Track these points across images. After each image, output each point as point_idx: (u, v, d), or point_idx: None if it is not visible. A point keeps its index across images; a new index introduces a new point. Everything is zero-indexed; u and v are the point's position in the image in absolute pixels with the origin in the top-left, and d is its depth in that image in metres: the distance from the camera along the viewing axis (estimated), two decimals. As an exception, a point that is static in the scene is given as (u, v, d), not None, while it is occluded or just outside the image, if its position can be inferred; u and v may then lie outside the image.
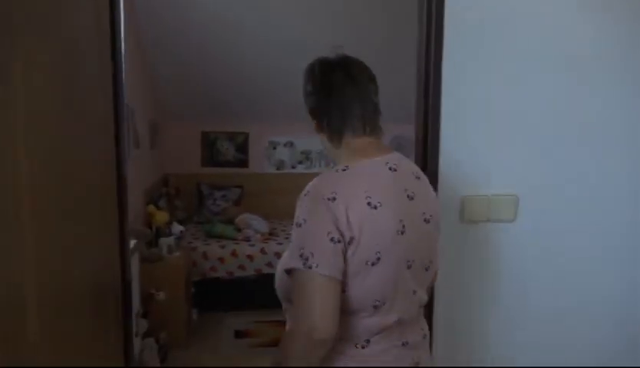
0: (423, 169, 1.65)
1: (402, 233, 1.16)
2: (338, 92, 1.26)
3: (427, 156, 1.73)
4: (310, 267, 1.09)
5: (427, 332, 1.34)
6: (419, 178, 1.28)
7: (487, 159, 1.77)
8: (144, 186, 4.07)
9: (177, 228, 3.75)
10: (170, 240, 3.63)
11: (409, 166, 1.29)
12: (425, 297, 1.30)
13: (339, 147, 1.26)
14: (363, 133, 1.25)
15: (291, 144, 5.16)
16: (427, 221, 1.24)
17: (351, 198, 1.13)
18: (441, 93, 1.68)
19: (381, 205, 1.14)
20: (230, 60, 4.37)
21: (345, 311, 1.15)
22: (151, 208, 3.78)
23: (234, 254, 4.14)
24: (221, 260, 4.13)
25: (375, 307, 1.17)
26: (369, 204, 1.13)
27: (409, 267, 1.20)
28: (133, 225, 3.54)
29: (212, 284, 4.11)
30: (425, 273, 1.27)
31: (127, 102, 3.55)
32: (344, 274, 1.12)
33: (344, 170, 1.19)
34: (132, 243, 2.59)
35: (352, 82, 1.26)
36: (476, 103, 1.73)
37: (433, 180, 1.66)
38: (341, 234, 1.11)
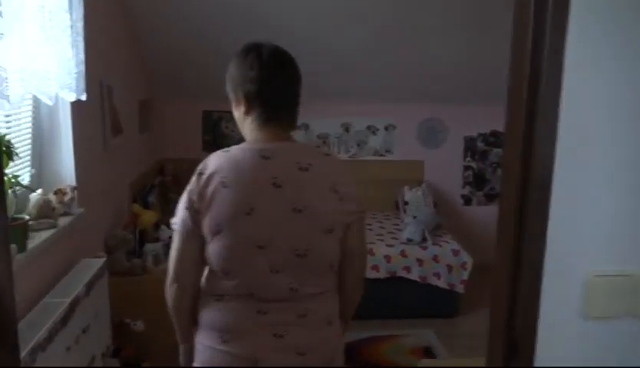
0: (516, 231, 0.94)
1: (248, 214, 1.32)
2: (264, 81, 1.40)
3: (527, 202, 1.00)
4: (174, 226, 1.43)
5: (316, 313, 1.42)
6: (305, 169, 1.36)
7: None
8: (130, 179, 3.43)
9: (167, 232, 3.11)
10: (157, 247, 3.01)
11: (296, 157, 1.37)
12: (307, 284, 1.39)
13: (245, 131, 1.45)
14: (259, 121, 1.40)
15: (306, 127, 4.46)
16: (297, 210, 1.33)
17: (212, 175, 1.34)
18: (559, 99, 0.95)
19: (230, 186, 1.31)
20: (236, 28, 3.65)
21: (209, 270, 1.42)
22: (136, 207, 3.14)
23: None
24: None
25: (223, 272, 1.38)
26: (222, 183, 1.32)
27: (260, 247, 1.34)
28: (113, 229, 2.94)
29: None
30: (299, 259, 1.36)
31: (101, 79, 3.00)
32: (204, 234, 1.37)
33: (226, 151, 1.39)
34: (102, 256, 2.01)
35: (264, 71, 1.40)
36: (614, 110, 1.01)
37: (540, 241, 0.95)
38: (194, 204, 1.36)
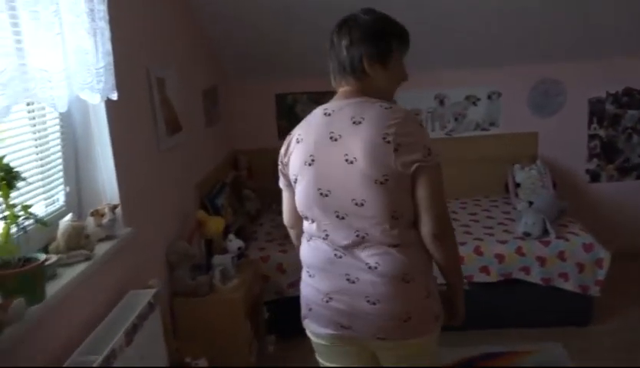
0: None
1: (309, 165, 1.48)
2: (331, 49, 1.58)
3: None
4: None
5: (383, 268, 1.46)
6: (359, 123, 1.43)
7: None
8: (196, 179, 3.05)
9: (235, 243, 2.70)
10: (226, 260, 2.60)
11: (351, 112, 1.45)
12: (371, 234, 1.45)
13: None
14: (336, 84, 1.57)
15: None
16: (349, 161, 1.42)
17: (294, 135, 1.56)
18: None
19: (301, 141, 1.51)
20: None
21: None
22: (200, 214, 2.75)
23: (319, 265, 3.04)
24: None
25: (304, 216, 1.57)
26: (297, 140, 1.53)
27: (323, 194, 1.47)
28: (175, 242, 2.57)
29: (292, 304, 3.07)
30: (358, 208, 1.43)
31: (149, 69, 2.38)
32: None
33: (310, 114, 1.57)
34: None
35: (334, 41, 1.56)
36: None
37: None
38: (282, 161, 1.59)
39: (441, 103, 3.86)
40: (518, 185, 3.68)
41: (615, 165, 3.92)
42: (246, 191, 3.60)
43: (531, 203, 3.47)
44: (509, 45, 3.55)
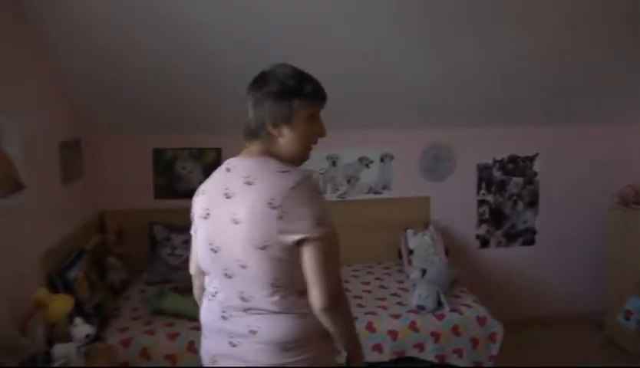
0: None
1: (204, 218, 1.47)
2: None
3: None
4: None
5: (262, 334, 1.40)
6: (250, 184, 1.38)
7: None
8: (44, 247, 2.54)
9: (82, 329, 2.21)
10: (70, 349, 2.11)
11: (247, 171, 1.41)
12: (254, 298, 1.40)
13: None
14: (245, 139, 1.50)
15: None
16: (234, 221, 1.37)
17: (202, 185, 1.55)
18: None
19: (203, 193, 1.51)
20: (190, 49, 2.83)
21: None
22: (41, 293, 2.23)
23: (192, 349, 2.60)
24: (172, 359, 2.61)
25: (201, 270, 1.55)
26: (202, 191, 1.53)
27: (214, 250, 1.44)
28: (4, 330, 2.04)
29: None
30: (242, 270, 1.39)
31: None
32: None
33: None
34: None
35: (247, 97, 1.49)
36: None
37: None
38: (192, 207, 1.56)
39: (334, 163, 3.69)
40: (411, 251, 3.54)
41: (502, 231, 3.93)
42: (111, 258, 3.10)
43: (424, 271, 3.33)
44: (402, 108, 3.49)
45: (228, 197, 1.40)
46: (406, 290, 3.19)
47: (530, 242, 3.97)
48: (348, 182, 3.72)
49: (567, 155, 3.91)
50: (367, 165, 3.73)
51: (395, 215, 3.75)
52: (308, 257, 1.34)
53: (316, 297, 1.35)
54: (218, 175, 1.48)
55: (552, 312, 4.02)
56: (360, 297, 3.09)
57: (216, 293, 1.47)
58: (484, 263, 3.94)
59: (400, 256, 3.64)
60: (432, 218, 3.81)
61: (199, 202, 1.49)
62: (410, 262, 3.49)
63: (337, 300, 1.38)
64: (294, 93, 1.42)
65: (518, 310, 3.87)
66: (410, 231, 3.62)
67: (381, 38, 2.92)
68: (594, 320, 3.96)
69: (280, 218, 1.32)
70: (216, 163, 3.76)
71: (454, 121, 3.69)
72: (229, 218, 1.37)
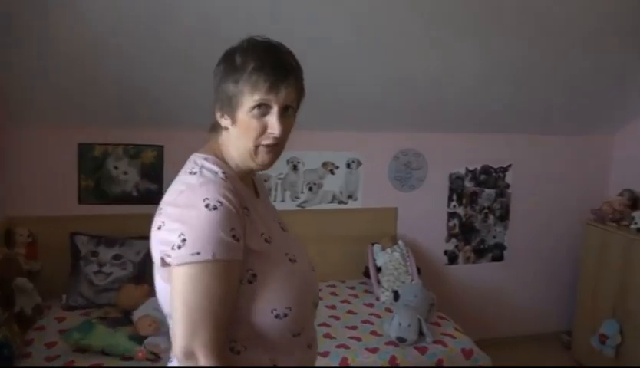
0: None
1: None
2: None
3: None
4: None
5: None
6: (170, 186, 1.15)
7: None
8: None
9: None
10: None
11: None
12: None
13: None
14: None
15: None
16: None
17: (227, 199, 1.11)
18: None
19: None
20: (129, 31, 2.27)
21: None
22: None
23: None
24: (99, 412, 2.05)
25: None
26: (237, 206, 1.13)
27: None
28: None
29: None
30: None
31: None
32: None
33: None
34: None
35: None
36: None
37: None
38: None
39: (294, 168, 3.23)
40: (379, 269, 3.16)
41: (471, 247, 3.65)
42: (20, 280, 2.46)
43: (396, 293, 2.96)
44: (372, 109, 3.10)
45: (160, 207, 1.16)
46: (378, 316, 2.79)
47: (499, 258, 3.72)
48: (310, 189, 3.28)
49: (541, 166, 3.69)
50: (331, 172, 3.31)
51: (361, 227, 3.35)
52: (172, 280, 1.07)
53: (173, 338, 1.06)
54: None
55: (518, 332, 3.79)
56: (328, 326, 2.66)
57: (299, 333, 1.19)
58: (451, 280, 3.63)
59: (366, 274, 3.25)
60: (399, 231, 3.45)
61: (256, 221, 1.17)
62: (379, 282, 3.10)
63: (188, 354, 1.03)
64: (240, 72, 1.11)
65: (485, 330, 3.59)
66: (377, 247, 3.23)
67: (351, 35, 2.52)
68: (560, 340, 3.77)
69: (159, 228, 1.09)
70: (158, 163, 3.30)
71: (428, 126, 3.35)
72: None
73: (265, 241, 1.15)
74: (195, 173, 1.13)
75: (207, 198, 1.06)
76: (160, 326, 2.26)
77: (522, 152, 3.63)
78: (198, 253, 1.02)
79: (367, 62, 2.74)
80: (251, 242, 1.11)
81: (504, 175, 3.62)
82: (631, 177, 3.58)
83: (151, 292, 2.12)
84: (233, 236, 1.05)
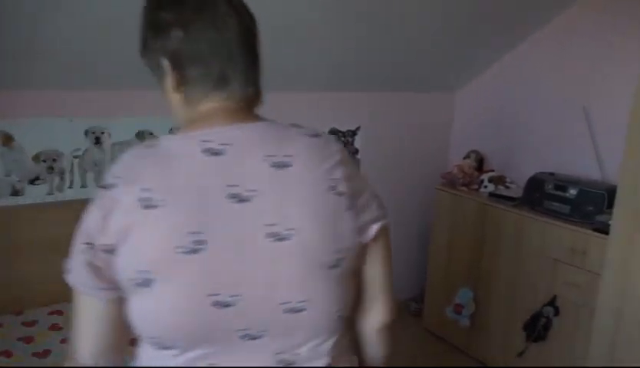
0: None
1: (195, 252, 0.77)
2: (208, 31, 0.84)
3: None
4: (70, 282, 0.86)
5: None
6: (285, 165, 0.82)
7: None
8: None
9: None
10: None
11: (266, 146, 0.83)
12: (300, 356, 0.86)
13: (190, 112, 0.88)
14: (216, 90, 0.86)
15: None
16: (277, 237, 0.80)
17: (130, 191, 0.78)
18: None
19: (162, 206, 0.77)
20: None
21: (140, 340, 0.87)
22: None
23: None
24: None
25: (159, 344, 0.82)
26: (147, 202, 0.76)
27: (220, 304, 0.79)
28: None
29: None
30: (292, 317, 0.82)
31: None
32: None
33: (150, 147, 0.83)
34: None
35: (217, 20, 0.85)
36: None
37: None
38: (98, 240, 0.79)
39: (97, 141, 2.38)
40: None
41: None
42: None
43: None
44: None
45: (242, 200, 0.79)
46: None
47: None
48: (122, 168, 2.47)
49: (391, 128, 3.38)
50: (150, 143, 2.53)
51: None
52: (382, 254, 0.94)
53: (383, 310, 1.00)
54: (188, 166, 0.79)
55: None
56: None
57: None
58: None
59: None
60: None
61: (162, 225, 0.76)
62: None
63: None
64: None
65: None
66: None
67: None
68: (408, 308, 3.64)
69: (350, 208, 0.85)
70: None
71: (271, 84, 2.74)
72: (261, 235, 0.79)
73: None
74: (317, 136, 0.92)
75: None
76: None
77: (370, 113, 3.27)
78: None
79: None
80: None
81: (353, 140, 3.23)
82: (474, 137, 3.49)
83: None
84: None
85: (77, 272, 0.84)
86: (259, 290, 0.82)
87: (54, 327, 2.10)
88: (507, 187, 3.06)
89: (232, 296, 0.81)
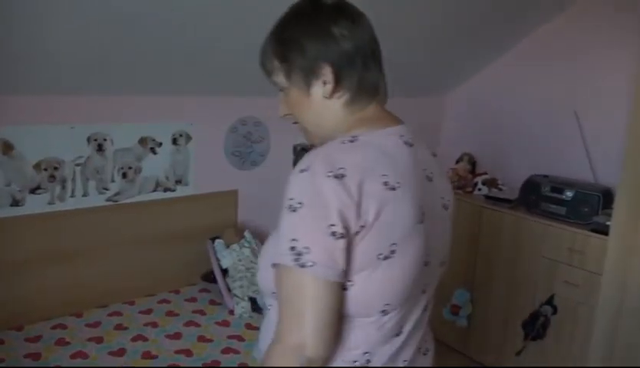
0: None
1: (421, 222, 0.95)
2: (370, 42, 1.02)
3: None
4: (304, 266, 0.83)
5: (428, 348, 1.13)
6: (435, 154, 1.14)
7: None
8: None
9: None
10: None
11: (423, 141, 1.07)
12: (431, 299, 1.09)
13: (351, 115, 1.01)
14: (374, 96, 1.03)
15: (7, 146, 2.07)
16: (445, 207, 1.07)
17: (366, 174, 0.88)
18: None
19: (399, 186, 0.91)
20: None
21: (344, 316, 0.91)
22: None
23: None
24: None
25: (383, 312, 0.93)
26: (386, 183, 0.90)
27: (426, 263, 0.98)
28: None
29: None
30: (439, 269, 1.07)
31: None
32: (347, 271, 0.87)
33: (352, 141, 0.93)
34: None
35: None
36: None
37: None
38: (347, 225, 0.85)
39: (100, 148, 2.31)
40: (225, 271, 2.50)
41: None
42: None
43: (254, 301, 2.36)
44: (199, 68, 2.35)
45: (430, 180, 1.03)
46: (240, 338, 2.16)
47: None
48: (124, 176, 2.40)
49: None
50: (152, 150, 2.47)
51: (195, 220, 2.62)
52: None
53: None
54: (402, 156, 0.96)
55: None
56: (178, 368, 1.94)
57: (400, 331, 0.99)
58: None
59: (206, 278, 2.56)
60: (241, 219, 2.82)
61: (405, 204, 0.91)
62: (229, 289, 2.45)
63: None
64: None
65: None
66: (219, 243, 2.56)
67: None
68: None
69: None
70: None
71: (270, 87, 2.73)
72: (440, 206, 1.05)
73: None
74: None
75: None
76: None
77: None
78: None
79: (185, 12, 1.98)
80: None
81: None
82: (462, 140, 3.55)
83: None
84: None
85: (326, 260, 0.84)
86: (439, 247, 1.03)
87: (60, 342, 2.02)
88: (500, 189, 3.13)
89: (430, 255, 0.99)
